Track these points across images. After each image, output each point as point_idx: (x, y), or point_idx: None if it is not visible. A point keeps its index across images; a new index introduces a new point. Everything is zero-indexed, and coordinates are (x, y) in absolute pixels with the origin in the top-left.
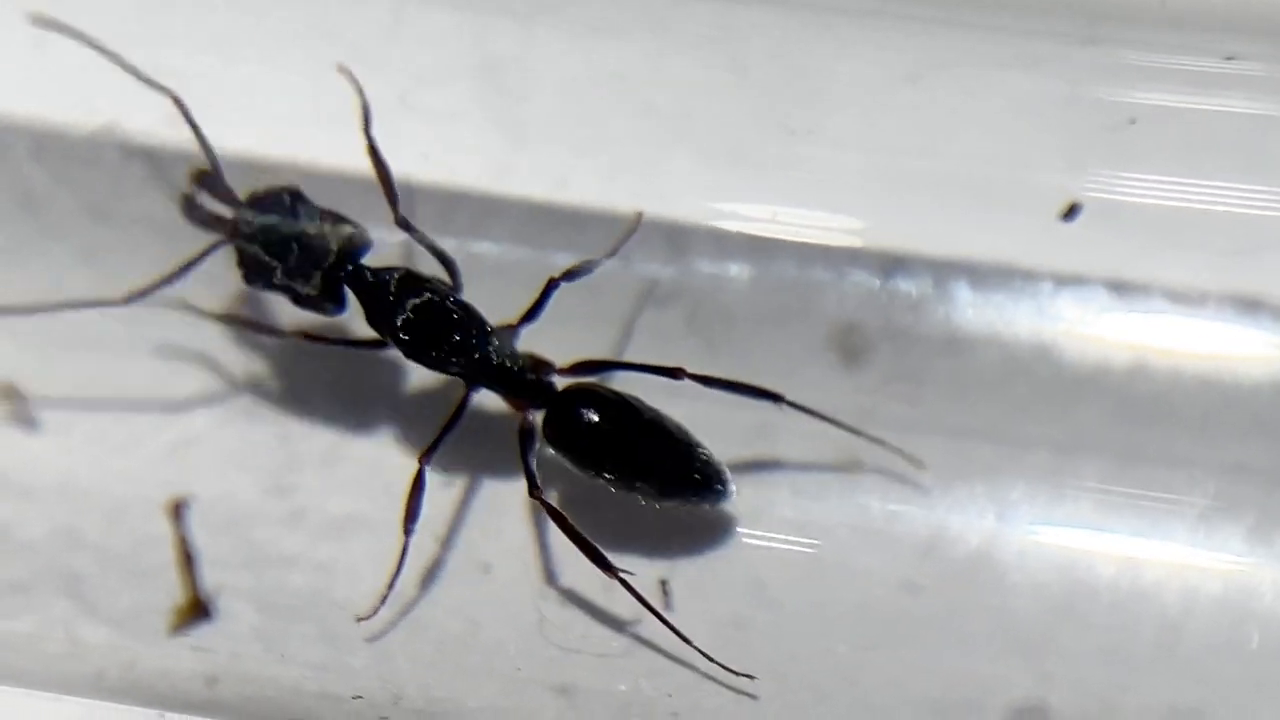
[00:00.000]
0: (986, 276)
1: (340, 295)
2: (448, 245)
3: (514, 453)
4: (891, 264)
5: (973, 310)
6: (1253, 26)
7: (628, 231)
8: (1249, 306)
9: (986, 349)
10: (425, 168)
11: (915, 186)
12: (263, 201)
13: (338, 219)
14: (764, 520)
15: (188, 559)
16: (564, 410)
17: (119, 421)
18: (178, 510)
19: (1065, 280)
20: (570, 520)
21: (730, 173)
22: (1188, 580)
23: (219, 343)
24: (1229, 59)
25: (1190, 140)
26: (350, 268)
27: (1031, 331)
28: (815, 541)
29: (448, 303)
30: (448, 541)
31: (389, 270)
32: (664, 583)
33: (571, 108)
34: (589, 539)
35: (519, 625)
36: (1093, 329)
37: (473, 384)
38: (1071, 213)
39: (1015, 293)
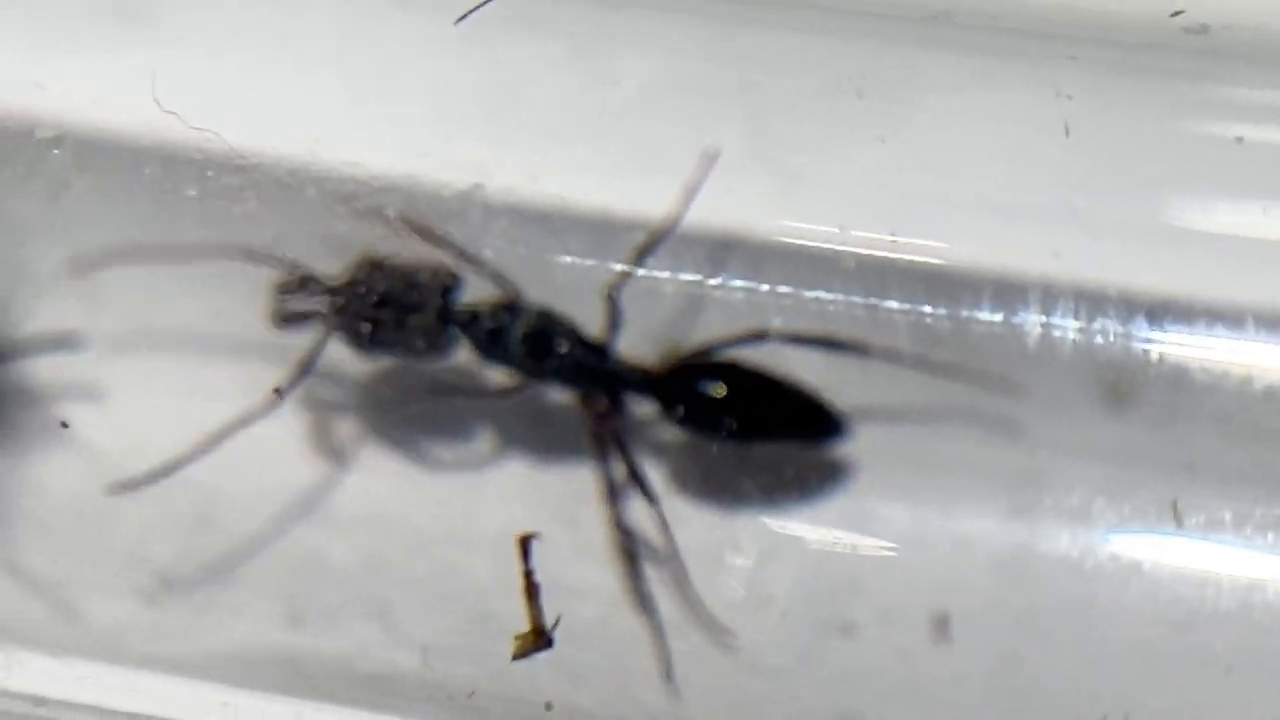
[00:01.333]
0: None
1: (448, 340)
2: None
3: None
4: (1159, 308)
5: (1240, 353)
6: None
7: None
8: None
9: (1258, 390)
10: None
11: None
12: (350, 282)
13: (426, 268)
14: (1035, 554)
15: (532, 590)
16: (681, 388)
17: (420, 456)
18: (526, 544)
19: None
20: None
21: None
22: None
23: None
24: None
25: None
26: (453, 309)
27: None
28: (1088, 578)
29: (551, 318)
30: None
31: (487, 303)
32: (942, 617)
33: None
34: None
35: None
36: None
37: (581, 388)
38: None
39: None
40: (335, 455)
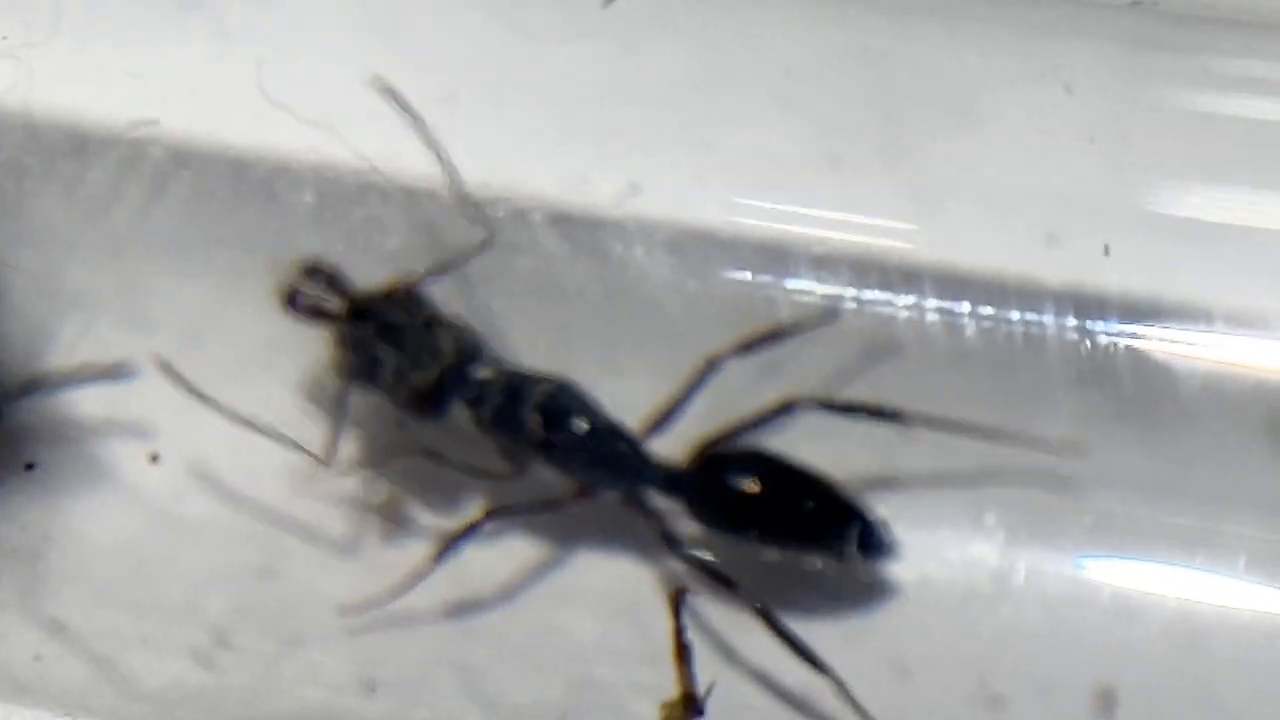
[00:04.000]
0: None
1: (444, 400)
2: None
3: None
4: None
5: None
6: None
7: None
8: None
9: None
10: None
11: None
12: (377, 297)
13: (453, 322)
14: (1222, 624)
15: (683, 651)
16: (708, 485)
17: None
18: (677, 600)
19: None
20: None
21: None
22: None
23: None
24: None
25: None
26: (460, 380)
27: None
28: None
29: (567, 398)
30: None
31: (501, 373)
32: (1108, 693)
33: None
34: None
35: None
36: None
37: (594, 484)
38: None
39: None
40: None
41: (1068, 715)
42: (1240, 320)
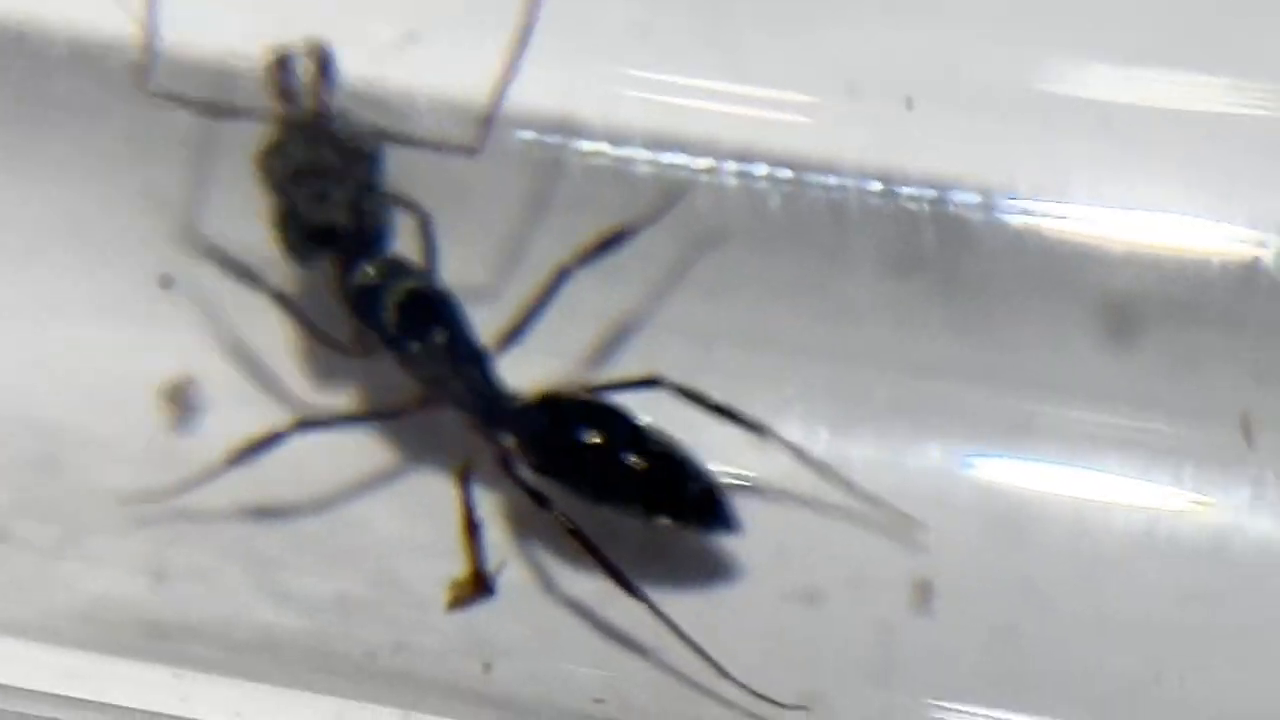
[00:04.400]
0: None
1: (319, 249)
2: None
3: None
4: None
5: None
6: None
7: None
8: None
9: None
10: None
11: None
12: (344, 121)
13: (386, 195)
14: (1036, 522)
15: (472, 528)
16: (542, 425)
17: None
18: (464, 476)
19: None
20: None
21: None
22: None
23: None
24: None
25: None
26: (359, 238)
27: None
28: (1092, 546)
29: (435, 305)
30: None
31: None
32: (924, 584)
33: None
34: (608, 557)
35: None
36: None
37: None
38: None
39: None
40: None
41: (885, 607)
42: (1047, 190)
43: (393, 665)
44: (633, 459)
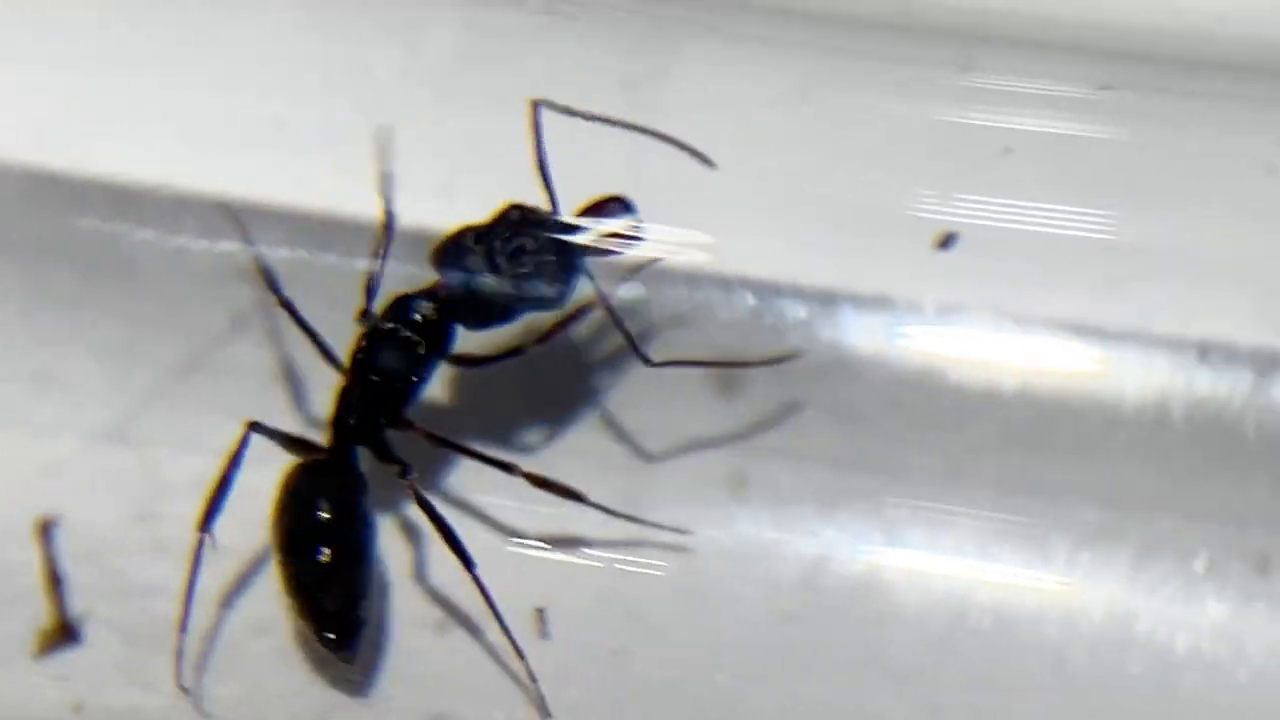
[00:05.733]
0: (866, 304)
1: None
2: None
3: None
4: (770, 291)
5: (855, 337)
6: (1126, 55)
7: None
8: (1127, 335)
9: (869, 376)
10: None
11: (793, 212)
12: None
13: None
14: (644, 548)
15: (54, 581)
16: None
17: None
18: (45, 530)
19: (947, 309)
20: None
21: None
22: (1070, 607)
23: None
24: (1103, 88)
25: (1064, 169)
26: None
27: (914, 358)
28: (695, 570)
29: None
30: None
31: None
32: (540, 611)
33: None
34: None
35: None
36: (976, 355)
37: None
38: (948, 242)
39: (897, 320)
40: None
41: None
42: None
43: None
44: (325, 551)
